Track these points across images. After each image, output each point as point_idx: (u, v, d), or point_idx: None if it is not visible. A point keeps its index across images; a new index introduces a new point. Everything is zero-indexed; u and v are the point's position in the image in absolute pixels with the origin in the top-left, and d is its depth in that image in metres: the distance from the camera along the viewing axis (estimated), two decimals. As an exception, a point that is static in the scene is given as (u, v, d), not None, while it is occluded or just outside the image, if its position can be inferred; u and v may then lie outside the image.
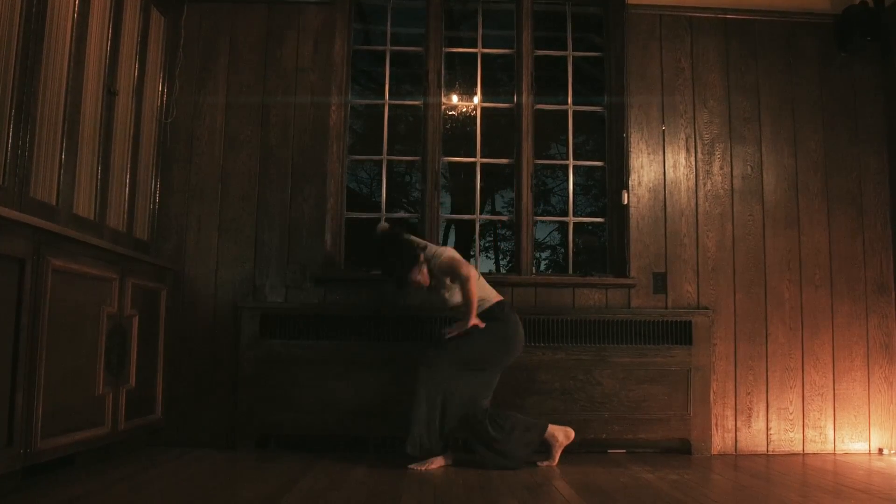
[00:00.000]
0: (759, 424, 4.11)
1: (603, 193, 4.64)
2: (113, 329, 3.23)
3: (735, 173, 4.28)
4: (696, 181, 4.27)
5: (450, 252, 3.62)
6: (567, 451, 3.59)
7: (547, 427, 3.56)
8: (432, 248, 3.66)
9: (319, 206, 4.12)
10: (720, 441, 4.08)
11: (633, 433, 3.96)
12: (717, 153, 4.29)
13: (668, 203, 4.25)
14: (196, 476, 3.12)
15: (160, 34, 4.01)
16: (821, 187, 4.30)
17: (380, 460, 3.60)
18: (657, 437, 3.99)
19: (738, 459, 3.90)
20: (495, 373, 3.57)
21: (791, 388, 4.14)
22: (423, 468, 3.36)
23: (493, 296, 3.63)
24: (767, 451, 4.11)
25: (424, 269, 3.60)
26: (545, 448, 3.56)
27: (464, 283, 3.51)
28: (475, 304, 3.51)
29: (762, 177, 4.29)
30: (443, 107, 4.45)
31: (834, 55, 4.38)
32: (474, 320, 3.49)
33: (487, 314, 3.54)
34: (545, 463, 3.52)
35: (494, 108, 4.59)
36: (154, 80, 3.96)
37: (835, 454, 4.10)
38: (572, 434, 3.59)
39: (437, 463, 3.43)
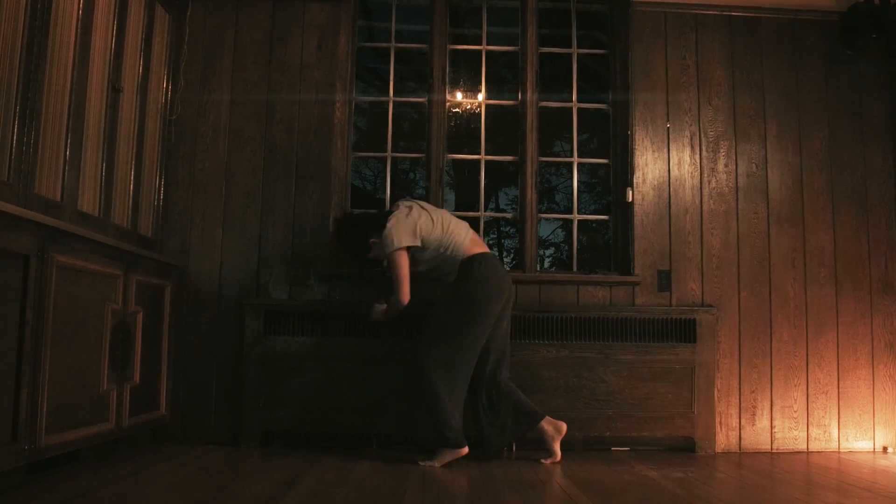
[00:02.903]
0: (763, 422, 4.11)
1: (607, 191, 4.63)
2: (117, 325, 3.23)
3: (740, 171, 4.27)
4: (700, 179, 4.26)
5: (392, 222, 3.48)
6: (571, 448, 3.60)
7: (542, 419, 3.54)
8: (392, 216, 3.55)
9: (324, 203, 4.12)
10: (724, 439, 4.08)
11: (637, 431, 3.96)
12: (721, 151, 4.28)
13: (672, 201, 4.24)
14: (200, 472, 3.13)
15: (165, 31, 4.01)
16: (826, 185, 4.29)
17: (384, 457, 3.60)
18: (661, 435, 3.99)
19: (742, 457, 3.90)
20: (479, 332, 3.44)
21: (795, 386, 4.14)
22: (430, 464, 3.35)
23: (469, 247, 3.53)
24: (771, 449, 4.10)
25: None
26: (542, 444, 3.57)
27: (392, 276, 3.48)
28: (397, 306, 3.51)
29: (767, 175, 4.28)
30: (447, 104, 4.45)
31: (839, 53, 4.37)
32: (388, 313, 3.58)
33: (460, 270, 3.53)
34: (549, 460, 3.51)
35: (499, 106, 4.58)
36: (158, 77, 3.96)
37: (839, 452, 4.09)
38: (564, 428, 3.55)
39: (455, 456, 3.39)
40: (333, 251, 4.10)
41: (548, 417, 3.56)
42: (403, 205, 3.62)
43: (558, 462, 3.51)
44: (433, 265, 3.61)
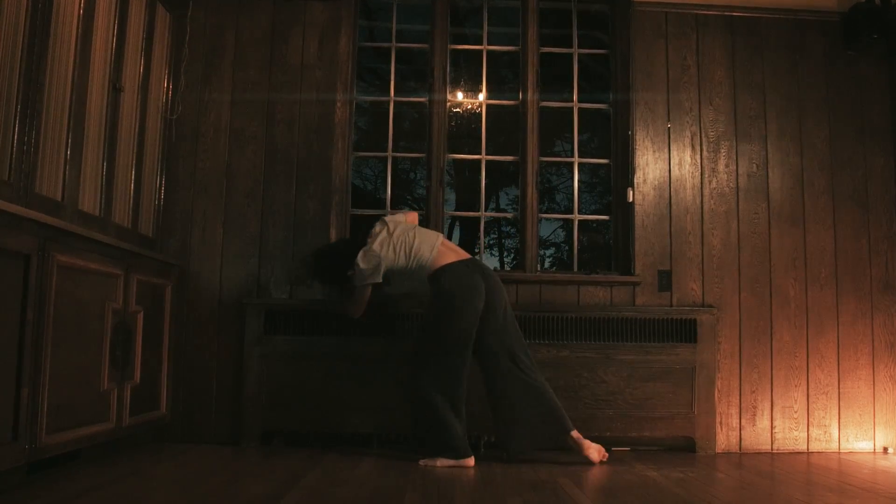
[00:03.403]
0: (763, 423, 4.11)
1: (608, 191, 4.63)
2: (118, 325, 3.23)
3: (740, 171, 4.27)
4: (701, 179, 4.26)
5: (360, 257, 3.56)
6: (571, 448, 3.58)
7: (567, 433, 3.50)
8: (361, 251, 3.61)
9: (325, 203, 4.12)
10: (724, 439, 4.08)
11: (637, 431, 3.96)
12: (722, 151, 4.28)
13: (673, 201, 4.24)
14: (201, 472, 3.13)
15: (165, 30, 4.01)
16: (826, 185, 4.29)
17: (384, 456, 3.60)
18: (661, 435, 3.98)
19: (742, 458, 3.90)
20: (460, 340, 3.44)
21: (796, 386, 4.14)
22: (431, 463, 3.36)
23: (435, 261, 3.53)
24: (772, 449, 4.10)
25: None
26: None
27: (354, 299, 3.64)
28: (349, 314, 3.72)
29: (768, 175, 4.28)
30: (448, 104, 4.44)
31: (840, 53, 4.37)
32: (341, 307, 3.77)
33: (430, 285, 3.56)
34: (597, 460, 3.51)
35: (500, 105, 4.58)
36: (159, 77, 3.96)
37: (839, 453, 4.09)
38: (589, 447, 3.50)
39: (460, 465, 3.38)
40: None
41: (574, 433, 3.51)
42: (375, 229, 3.66)
43: (597, 457, 3.50)
44: (404, 285, 3.68)
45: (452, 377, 3.43)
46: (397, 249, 3.57)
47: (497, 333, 3.54)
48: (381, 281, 3.61)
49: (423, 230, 3.69)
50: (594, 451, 3.51)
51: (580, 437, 3.52)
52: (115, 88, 3.42)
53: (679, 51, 4.33)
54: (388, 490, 2.81)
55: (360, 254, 3.57)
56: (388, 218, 3.72)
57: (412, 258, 3.55)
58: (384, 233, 3.61)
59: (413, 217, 3.87)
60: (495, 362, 3.53)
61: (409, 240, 3.58)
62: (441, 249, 3.57)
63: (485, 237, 4.48)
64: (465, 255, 3.64)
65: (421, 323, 3.69)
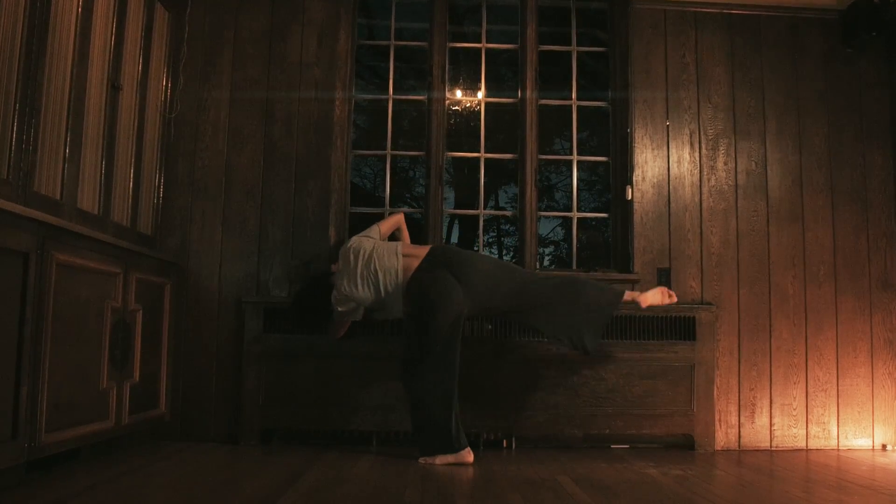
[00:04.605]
0: (762, 420, 4.11)
1: (607, 189, 4.63)
2: (117, 323, 3.23)
3: (739, 169, 4.28)
4: (700, 177, 4.26)
5: (334, 296, 3.55)
6: (570, 446, 3.58)
7: (621, 299, 3.55)
8: (333, 291, 3.59)
9: (324, 201, 4.12)
10: (723, 436, 4.09)
11: (636, 428, 3.96)
12: (721, 149, 4.28)
13: (672, 199, 4.24)
14: (200, 470, 3.13)
15: (164, 28, 4.00)
16: (825, 183, 4.29)
17: (384, 454, 3.60)
18: (660, 433, 3.99)
19: (741, 455, 3.90)
20: (447, 338, 3.41)
21: (794, 384, 4.14)
22: (430, 461, 3.37)
23: (405, 274, 3.49)
24: (771, 446, 4.11)
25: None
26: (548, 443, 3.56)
27: (335, 320, 3.65)
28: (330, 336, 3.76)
29: (766, 173, 4.28)
30: (447, 102, 4.45)
31: (839, 51, 4.37)
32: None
33: (404, 294, 3.52)
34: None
35: (498, 104, 4.58)
36: (158, 75, 3.96)
37: (838, 450, 4.10)
38: (658, 297, 3.56)
39: (459, 461, 3.38)
40: (333, 249, 4.11)
41: (627, 295, 3.57)
42: (339, 262, 3.61)
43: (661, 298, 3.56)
44: (390, 311, 3.58)
45: (444, 375, 3.40)
46: (365, 285, 3.50)
47: (492, 292, 3.51)
48: (360, 318, 3.62)
49: (381, 250, 3.56)
50: (656, 294, 3.57)
51: (634, 294, 3.57)
52: (114, 87, 3.41)
53: (678, 49, 4.33)
54: (388, 488, 2.81)
55: (333, 298, 3.56)
56: (353, 244, 3.61)
57: (382, 289, 3.49)
58: (346, 269, 3.55)
59: (392, 222, 3.84)
60: (517, 309, 3.55)
61: (372, 272, 3.50)
62: (404, 263, 3.51)
63: (484, 235, 4.48)
64: (422, 252, 3.55)
65: (405, 329, 3.62)
